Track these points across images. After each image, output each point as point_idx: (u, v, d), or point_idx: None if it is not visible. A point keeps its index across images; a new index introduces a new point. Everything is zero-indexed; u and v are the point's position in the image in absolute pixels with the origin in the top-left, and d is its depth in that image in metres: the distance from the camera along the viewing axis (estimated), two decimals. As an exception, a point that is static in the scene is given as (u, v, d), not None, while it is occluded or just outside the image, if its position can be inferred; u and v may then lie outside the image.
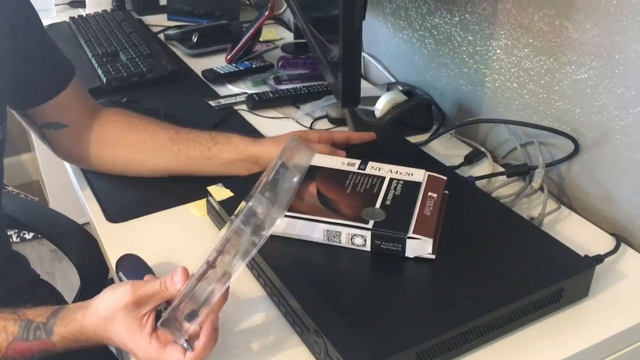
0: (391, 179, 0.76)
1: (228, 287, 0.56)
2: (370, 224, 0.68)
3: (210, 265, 0.56)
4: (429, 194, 0.74)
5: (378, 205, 0.71)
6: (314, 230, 0.70)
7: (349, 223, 0.68)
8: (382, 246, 0.68)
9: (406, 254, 0.68)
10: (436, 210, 0.71)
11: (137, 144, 0.87)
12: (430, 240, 0.66)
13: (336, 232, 0.69)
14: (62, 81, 0.84)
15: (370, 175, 0.77)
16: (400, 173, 0.77)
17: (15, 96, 0.80)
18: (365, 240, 0.68)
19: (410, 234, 0.67)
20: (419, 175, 0.77)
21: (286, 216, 0.70)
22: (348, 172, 0.77)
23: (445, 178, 0.77)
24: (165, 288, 0.56)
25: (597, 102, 0.80)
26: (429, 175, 0.77)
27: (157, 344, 0.56)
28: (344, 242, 0.69)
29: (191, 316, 0.55)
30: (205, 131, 0.89)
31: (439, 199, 0.73)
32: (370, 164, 0.79)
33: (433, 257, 0.67)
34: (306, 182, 0.76)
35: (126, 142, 0.88)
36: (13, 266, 0.92)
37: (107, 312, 0.57)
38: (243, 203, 0.61)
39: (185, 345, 0.55)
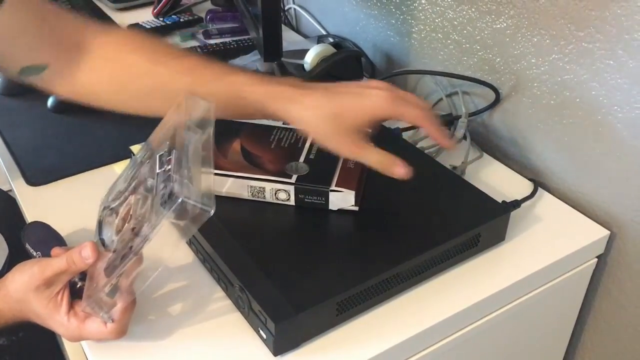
0: (316, 133, 0.76)
1: (141, 251, 0.55)
2: (294, 179, 0.68)
3: (134, 235, 0.53)
4: (353, 146, 0.74)
5: (302, 159, 0.72)
6: (238, 187, 0.69)
7: (272, 178, 0.68)
8: (306, 200, 0.69)
9: (330, 207, 0.68)
10: (360, 162, 0.72)
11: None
12: (353, 193, 0.67)
13: (260, 187, 0.69)
14: None
15: (294, 130, 0.76)
16: (325, 126, 0.77)
17: None
18: (289, 195, 0.69)
19: (333, 187, 0.67)
20: (343, 128, 0.77)
21: (210, 174, 0.69)
22: (273, 127, 0.77)
23: (369, 130, 0.77)
24: (73, 263, 0.54)
25: (516, 51, 0.81)
26: (353, 127, 0.77)
27: (76, 320, 0.55)
28: (268, 197, 0.69)
29: (112, 292, 0.54)
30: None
31: (363, 151, 0.74)
32: (296, 118, 0.78)
33: (356, 209, 0.68)
34: (230, 138, 0.75)
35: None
36: None
37: (19, 295, 0.56)
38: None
39: (105, 317, 0.55)
